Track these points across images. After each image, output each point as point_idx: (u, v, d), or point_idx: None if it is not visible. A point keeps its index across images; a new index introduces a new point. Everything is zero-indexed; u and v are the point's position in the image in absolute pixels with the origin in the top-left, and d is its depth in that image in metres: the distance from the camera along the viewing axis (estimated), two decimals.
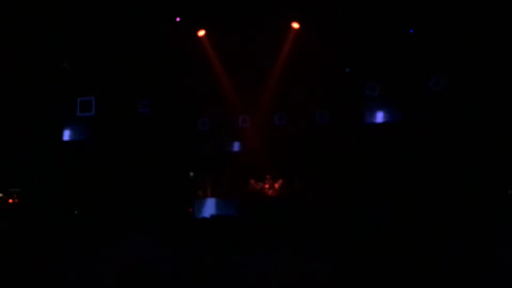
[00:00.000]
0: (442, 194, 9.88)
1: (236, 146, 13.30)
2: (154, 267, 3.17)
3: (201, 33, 12.63)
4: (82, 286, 3.12)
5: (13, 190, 11.22)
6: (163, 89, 12.59)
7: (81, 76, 13.00)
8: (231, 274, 2.91)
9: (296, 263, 3.16)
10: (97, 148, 12.40)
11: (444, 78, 11.89)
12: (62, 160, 12.04)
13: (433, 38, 11.63)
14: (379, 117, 12.60)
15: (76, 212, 9.89)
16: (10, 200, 10.92)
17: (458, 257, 3.78)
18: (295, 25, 12.34)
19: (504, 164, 10.44)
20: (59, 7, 11.19)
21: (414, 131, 11.69)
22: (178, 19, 12.02)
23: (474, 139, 10.95)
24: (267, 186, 12.05)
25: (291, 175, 12.66)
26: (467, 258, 3.71)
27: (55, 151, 12.13)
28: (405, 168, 11.08)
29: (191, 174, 12.96)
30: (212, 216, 10.13)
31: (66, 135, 12.87)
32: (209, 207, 11.25)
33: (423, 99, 12.10)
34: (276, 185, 12.00)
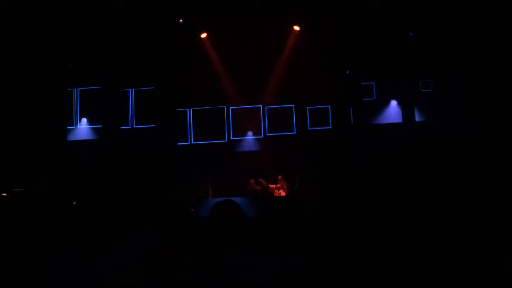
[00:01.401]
0: (443, 195, 9.88)
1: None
2: (154, 266, 3.23)
3: (203, 35, 12.74)
4: (82, 284, 3.18)
5: (16, 190, 11.27)
6: (164, 89, 12.64)
7: (85, 76, 13.16)
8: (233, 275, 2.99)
9: (297, 264, 3.23)
10: (98, 148, 12.47)
11: (436, 80, 12.05)
12: (64, 160, 12.10)
13: (432, 40, 11.75)
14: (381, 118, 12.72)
15: (74, 202, 9.89)
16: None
17: (457, 258, 3.82)
18: (296, 28, 12.44)
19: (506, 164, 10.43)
20: (61, 8, 11.25)
21: (413, 132, 11.75)
22: (181, 21, 12.12)
23: (474, 138, 11.00)
24: (279, 186, 12.08)
25: (292, 176, 12.76)
26: (466, 259, 3.75)
27: (58, 151, 12.19)
28: (405, 169, 11.11)
29: (193, 174, 13.03)
30: None
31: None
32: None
33: (421, 101, 12.23)
34: (286, 187, 12.04)
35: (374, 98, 12.81)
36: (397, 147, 11.51)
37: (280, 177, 12.14)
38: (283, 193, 11.91)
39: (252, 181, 12.33)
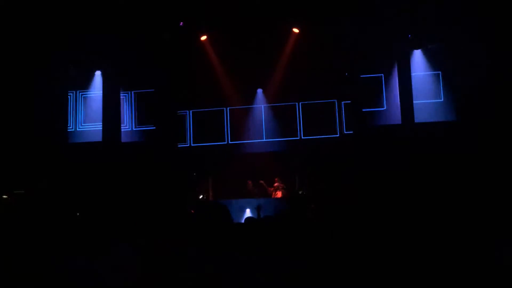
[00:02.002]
0: (443, 196, 9.86)
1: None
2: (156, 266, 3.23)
3: (203, 37, 12.75)
4: (82, 284, 3.17)
5: (18, 192, 11.29)
6: (163, 91, 12.66)
7: (84, 77, 13.19)
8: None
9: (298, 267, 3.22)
10: (98, 149, 12.48)
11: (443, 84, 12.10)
12: (66, 162, 12.12)
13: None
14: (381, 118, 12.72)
15: (78, 214, 9.95)
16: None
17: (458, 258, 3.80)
18: (296, 30, 12.45)
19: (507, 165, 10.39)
20: (61, 9, 11.27)
21: (413, 133, 11.74)
22: (181, 23, 12.13)
23: (475, 139, 10.98)
24: (276, 187, 12.08)
25: (292, 177, 12.77)
26: (466, 259, 3.73)
27: (60, 153, 12.21)
28: (405, 170, 11.10)
29: (193, 176, 13.05)
30: None
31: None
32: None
33: (422, 103, 12.23)
34: (281, 187, 12.04)
35: (384, 108, 12.78)
36: (397, 148, 11.48)
37: (276, 179, 12.17)
38: (279, 194, 11.93)
39: (250, 182, 12.35)
